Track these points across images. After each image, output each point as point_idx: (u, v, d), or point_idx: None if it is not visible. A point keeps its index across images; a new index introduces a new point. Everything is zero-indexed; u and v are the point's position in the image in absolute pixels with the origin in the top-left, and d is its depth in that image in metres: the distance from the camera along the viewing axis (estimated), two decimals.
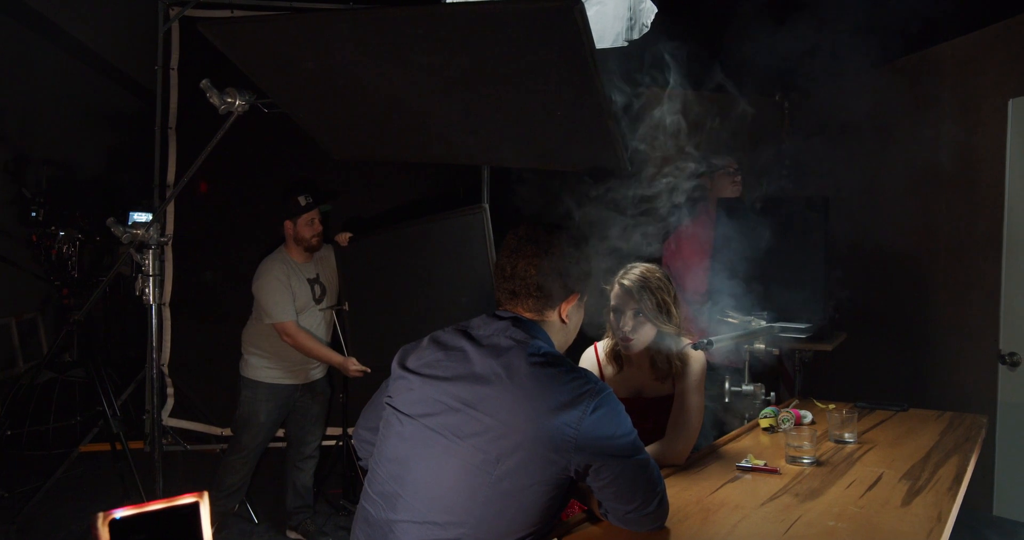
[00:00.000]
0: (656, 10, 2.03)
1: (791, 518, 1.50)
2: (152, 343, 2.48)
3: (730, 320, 2.51)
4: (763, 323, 2.49)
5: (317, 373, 3.25)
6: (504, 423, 1.21)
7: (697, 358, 1.99)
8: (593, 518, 1.48)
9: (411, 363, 1.38)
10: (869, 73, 3.65)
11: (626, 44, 2.03)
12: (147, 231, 2.20)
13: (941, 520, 1.48)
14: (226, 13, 3.61)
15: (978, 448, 2.07)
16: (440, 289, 2.92)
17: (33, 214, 4.89)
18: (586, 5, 1.51)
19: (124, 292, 5.89)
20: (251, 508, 3.45)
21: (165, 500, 1.03)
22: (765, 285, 2.54)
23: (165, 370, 3.67)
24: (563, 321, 1.41)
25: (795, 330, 2.70)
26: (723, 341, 2.17)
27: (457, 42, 1.69)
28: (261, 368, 3.10)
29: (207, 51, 2.20)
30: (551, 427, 1.19)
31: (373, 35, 1.77)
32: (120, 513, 0.99)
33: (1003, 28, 2.93)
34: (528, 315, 1.38)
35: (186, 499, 1.05)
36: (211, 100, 2.16)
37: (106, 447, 3.08)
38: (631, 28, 2.02)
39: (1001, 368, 2.83)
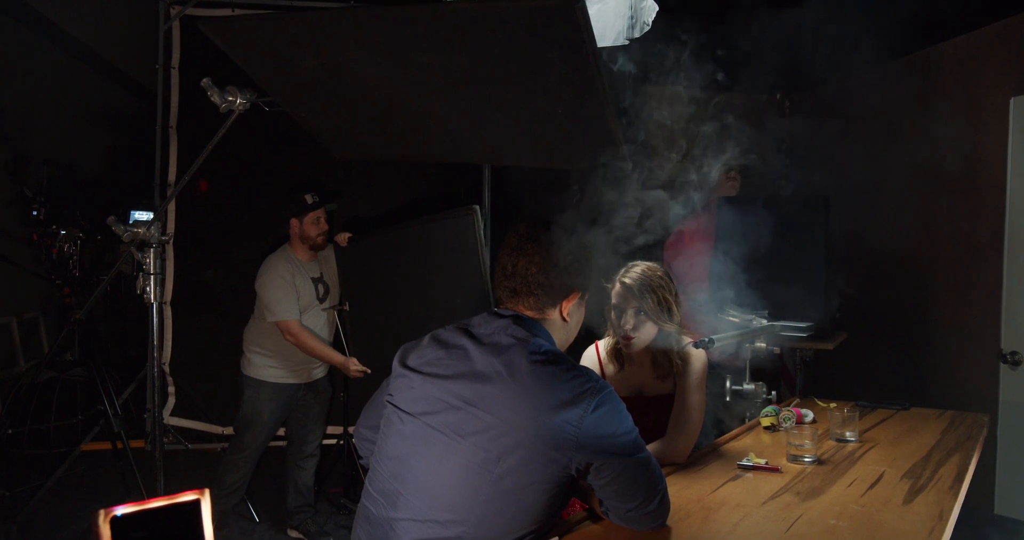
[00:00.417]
0: (657, 8, 2.03)
1: (792, 517, 1.50)
2: (153, 342, 2.48)
3: (731, 319, 2.50)
4: (764, 322, 2.49)
5: (319, 372, 3.25)
6: (505, 421, 1.21)
7: (698, 356, 1.99)
8: (594, 516, 1.48)
9: (412, 361, 1.38)
10: (869, 73, 3.65)
11: (627, 42, 2.03)
12: (148, 230, 2.20)
13: (942, 519, 1.47)
14: (227, 11, 3.60)
15: (979, 447, 2.06)
16: (437, 290, 2.92)
17: (34, 213, 4.90)
18: (587, 3, 1.50)
19: (125, 291, 5.89)
20: (252, 507, 3.45)
21: (166, 497, 1.03)
22: (766, 284, 2.54)
23: (166, 369, 3.67)
24: (564, 319, 1.41)
25: (796, 329, 2.70)
26: (724, 339, 2.17)
27: (458, 40, 1.69)
28: (264, 367, 3.09)
29: (208, 50, 2.20)
30: (552, 425, 1.19)
31: (374, 34, 1.77)
32: (121, 510, 0.99)
33: (1004, 27, 2.93)
34: (529, 313, 1.38)
35: (187, 496, 1.05)
36: (212, 99, 2.16)
37: (107, 446, 3.07)
38: (632, 26, 2.02)
39: (1002, 367, 2.83)
